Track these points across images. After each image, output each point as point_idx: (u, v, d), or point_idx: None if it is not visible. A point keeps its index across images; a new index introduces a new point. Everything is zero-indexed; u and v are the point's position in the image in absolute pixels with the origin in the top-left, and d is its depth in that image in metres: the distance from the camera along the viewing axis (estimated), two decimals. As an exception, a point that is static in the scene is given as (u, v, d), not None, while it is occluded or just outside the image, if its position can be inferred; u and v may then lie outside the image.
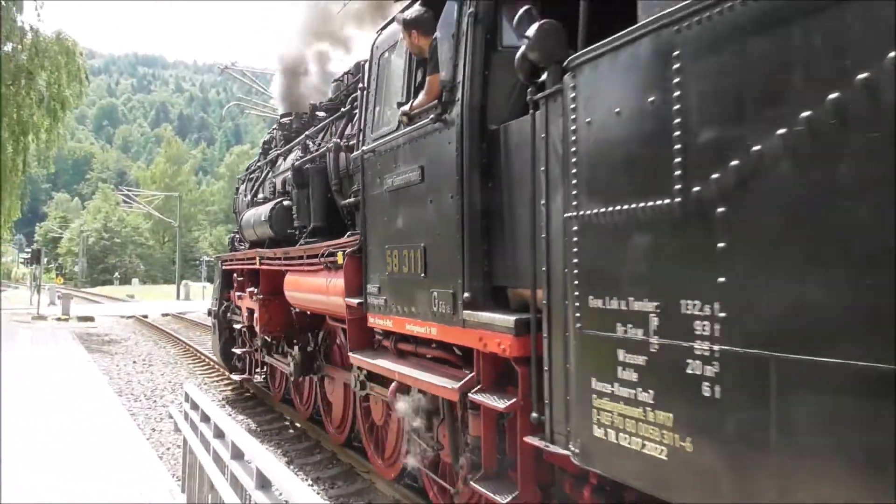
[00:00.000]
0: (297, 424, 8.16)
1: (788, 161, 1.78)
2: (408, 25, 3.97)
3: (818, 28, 1.70)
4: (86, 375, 11.07)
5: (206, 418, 4.61)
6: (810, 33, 1.72)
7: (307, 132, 7.77)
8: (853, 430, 1.64)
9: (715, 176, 1.98)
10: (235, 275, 9.42)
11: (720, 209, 1.97)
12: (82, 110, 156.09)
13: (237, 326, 9.37)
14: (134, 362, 13.86)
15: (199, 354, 14.26)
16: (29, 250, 37.12)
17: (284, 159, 8.27)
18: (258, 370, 9.57)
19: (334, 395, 6.81)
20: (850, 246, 1.64)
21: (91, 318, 24.76)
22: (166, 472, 6.07)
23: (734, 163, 1.92)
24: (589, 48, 2.55)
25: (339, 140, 6.09)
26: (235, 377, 9.96)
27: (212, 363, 12.46)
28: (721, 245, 1.97)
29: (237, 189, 11.63)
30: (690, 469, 2.09)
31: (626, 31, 2.35)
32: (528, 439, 2.95)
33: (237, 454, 3.68)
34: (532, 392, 2.95)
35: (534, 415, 2.92)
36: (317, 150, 6.86)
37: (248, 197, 9.88)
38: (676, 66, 2.12)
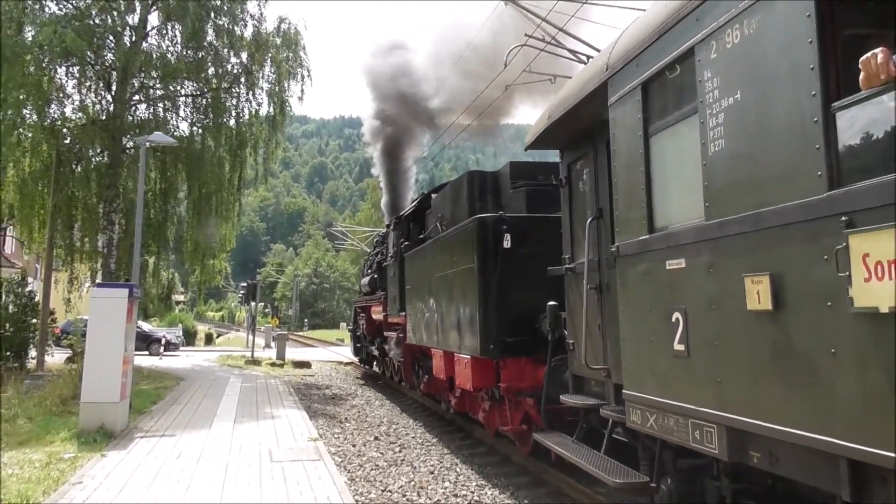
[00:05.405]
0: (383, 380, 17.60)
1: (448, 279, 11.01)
2: (390, 226, 13.58)
3: (452, 246, 10.96)
4: (314, 476, 7.02)
5: None
6: (449, 248, 10.98)
7: (385, 243, 17.47)
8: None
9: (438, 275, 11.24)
10: (358, 309, 19.39)
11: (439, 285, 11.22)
12: (297, 170, 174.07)
13: (358, 334, 19.33)
14: (377, 438, 10.16)
15: (450, 420, 11.11)
16: (244, 284, 33.91)
17: (377, 255, 18.08)
18: (376, 363, 19.14)
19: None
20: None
21: (307, 365, 22.61)
22: None
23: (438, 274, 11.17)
24: (410, 250, 11.87)
25: (381, 259, 15.84)
26: (356, 360, 19.87)
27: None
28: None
29: (363, 263, 21.83)
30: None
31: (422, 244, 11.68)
32: (406, 341, 12.20)
33: None
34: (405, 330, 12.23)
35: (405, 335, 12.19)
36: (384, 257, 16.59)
37: (365, 270, 19.85)
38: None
